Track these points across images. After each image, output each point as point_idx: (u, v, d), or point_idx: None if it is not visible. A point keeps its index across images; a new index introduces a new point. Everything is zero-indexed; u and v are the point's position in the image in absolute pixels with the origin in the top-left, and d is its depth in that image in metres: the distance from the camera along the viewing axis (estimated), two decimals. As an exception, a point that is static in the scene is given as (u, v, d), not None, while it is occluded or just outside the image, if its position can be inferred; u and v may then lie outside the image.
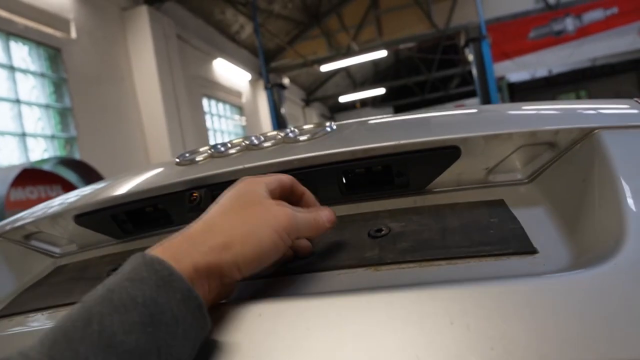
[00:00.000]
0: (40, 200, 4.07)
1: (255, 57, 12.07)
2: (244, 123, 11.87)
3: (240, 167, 0.54)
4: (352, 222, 0.51)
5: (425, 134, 0.50)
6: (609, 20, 9.86)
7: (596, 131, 0.44)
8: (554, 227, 0.42)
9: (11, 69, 5.34)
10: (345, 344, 0.31)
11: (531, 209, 0.46)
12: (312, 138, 0.56)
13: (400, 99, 18.16)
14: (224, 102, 10.99)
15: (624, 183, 0.38)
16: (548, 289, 0.31)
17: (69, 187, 4.40)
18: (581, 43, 10.06)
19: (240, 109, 11.82)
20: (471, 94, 14.79)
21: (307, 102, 16.35)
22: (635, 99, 0.52)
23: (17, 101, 5.36)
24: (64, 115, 6.02)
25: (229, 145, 0.61)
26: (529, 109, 0.56)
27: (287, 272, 0.44)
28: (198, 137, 8.90)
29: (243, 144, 0.60)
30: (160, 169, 0.65)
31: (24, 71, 5.56)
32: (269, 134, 0.61)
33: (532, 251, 0.39)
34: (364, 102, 18.80)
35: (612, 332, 0.27)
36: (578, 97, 16.89)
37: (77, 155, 5.78)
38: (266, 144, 0.58)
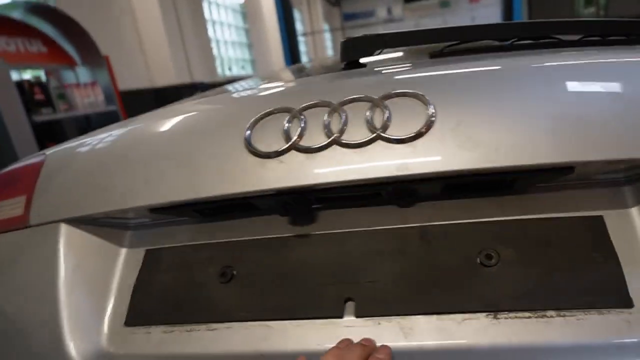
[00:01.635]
0: (19, 54, 3.74)
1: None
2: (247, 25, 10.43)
3: (338, 179, 0.51)
4: (458, 236, 0.54)
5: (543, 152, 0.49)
6: None
7: None
8: None
9: None
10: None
11: None
12: (416, 138, 0.51)
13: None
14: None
15: None
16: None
17: (49, 42, 4.02)
18: None
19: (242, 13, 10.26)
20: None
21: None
22: None
23: None
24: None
25: (307, 132, 0.55)
26: None
27: (419, 312, 0.50)
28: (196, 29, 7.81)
29: (328, 135, 0.54)
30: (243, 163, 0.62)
31: None
32: (356, 113, 0.54)
33: None
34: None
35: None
36: None
37: (52, 2, 5.12)
38: (357, 140, 0.52)
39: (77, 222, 0.63)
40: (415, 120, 0.51)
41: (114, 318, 0.61)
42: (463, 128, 0.50)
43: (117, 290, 0.63)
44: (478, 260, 0.52)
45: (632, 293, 0.46)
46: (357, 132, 0.52)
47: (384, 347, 0.49)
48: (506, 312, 0.48)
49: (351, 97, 0.55)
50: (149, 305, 0.60)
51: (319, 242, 0.58)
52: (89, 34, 3.97)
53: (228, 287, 0.58)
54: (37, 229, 0.63)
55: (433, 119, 0.50)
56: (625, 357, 0.43)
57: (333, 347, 0.48)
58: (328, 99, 0.56)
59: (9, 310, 0.60)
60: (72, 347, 0.56)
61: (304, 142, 0.54)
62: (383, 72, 0.62)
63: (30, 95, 3.40)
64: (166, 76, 6.19)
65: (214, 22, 8.98)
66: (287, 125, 0.55)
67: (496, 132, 0.48)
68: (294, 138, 0.54)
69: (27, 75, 3.84)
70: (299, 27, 13.13)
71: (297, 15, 12.84)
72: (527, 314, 0.48)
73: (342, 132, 0.53)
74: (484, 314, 0.49)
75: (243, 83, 1.10)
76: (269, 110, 0.57)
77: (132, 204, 0.58)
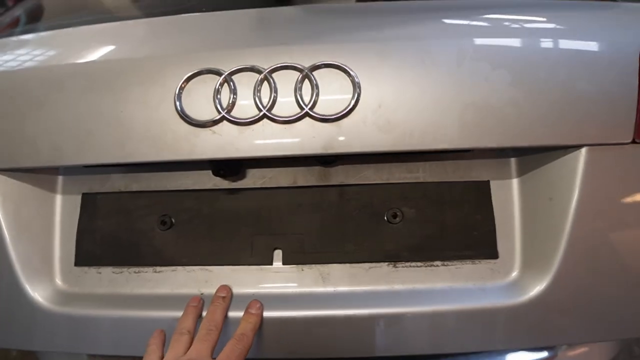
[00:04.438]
0: None
1: None
2: None
3: (269, 154, 0.55)
4: (370, 196, 0.62)
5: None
6: None
7: None
8: None
9: None
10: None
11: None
12: (341, 118, 0.55)
13: None
14: None
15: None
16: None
17: None
18: None
19: None
20: None
21: None
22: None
23: None
24: None
25: (238, 102, 0.56)
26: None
27: (335, 261, 0.61)
28: None
29: (259, 107, 0.55)
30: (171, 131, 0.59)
31: None
32: (286, 84, 0.56)
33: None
34: None
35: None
36: None
37: None
38: (286, 116, 0.55)
39: (5, 170, 0.63)
40: (342, 98, 0.55)
41: (64, 259, 0.66)
42: (383, 110, 0.54)
43: (60, 233, 0.67)
44: (385, 218, 0.61)
45: (499, 247, 0.60)
46: (286, 107, 0.55)
47: (254, 302, 0.57)
48: (403, 262, 0.60)
49: (281, 63, 0.56)
50: (96, 247, 0.65)
51: (250, 195, 0.64)
52: None
53: (169, 234, 0.64)
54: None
55: (358, 98, 0.54)
56: (488, 297, 0.57)
57: (188, 306, 0.57)
58: (258, 64, 0.56)
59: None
60: (28, 288, 0.62)
61: (235, 113, 0.56)
62: (311, 23, 0.62)
63: None
64: None
65: None
66: (218, 91, 0.56)
67: (412, 116, 0.54)
68: (225, 108, 0.55)
69: None
70: None
71: None
72: (419, 264, 0.60)
73: (272, 104, 0.55)
74: (386, 263, 0.61)
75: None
76: (197, 70, 0.57)
77: (62, 162, 0.59)
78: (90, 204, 0.67)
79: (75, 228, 0.66)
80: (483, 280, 0.59)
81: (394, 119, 0.54)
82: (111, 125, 0.58)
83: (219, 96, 0.56)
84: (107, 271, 0.65)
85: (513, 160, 0.62)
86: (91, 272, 0.65)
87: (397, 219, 0.61)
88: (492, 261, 0.60)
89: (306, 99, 0.55)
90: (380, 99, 0.54)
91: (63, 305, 0.62)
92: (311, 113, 0.54)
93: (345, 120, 0.55)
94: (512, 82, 0.54)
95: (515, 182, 0.61)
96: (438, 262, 0.60)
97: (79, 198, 0.67)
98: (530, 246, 0.59)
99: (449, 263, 0.60)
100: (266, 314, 0.57)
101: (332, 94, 0.55)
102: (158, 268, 0.64)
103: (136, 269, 0.64)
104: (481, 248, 0.60)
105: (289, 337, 0.58)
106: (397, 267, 0.60)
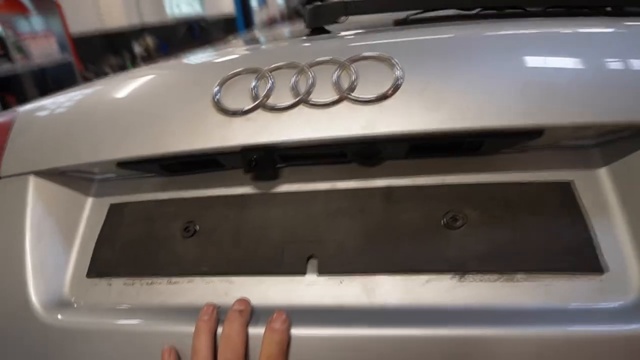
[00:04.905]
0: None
1: None
2: None
3: (304, 137, 0.49)
4: (423, 198, 0.52)
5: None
6: None
7: None
8: None
9: None
10: None
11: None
12: (382, 99, 0.49)
13: None
14: None
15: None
16: None
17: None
18: None
19: None
20: None
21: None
22: None
23: None
24: None
25: (274, 92, 0.52)
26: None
27: (382, 271, 0.49)
28: None
29: (295, 95, 0.51)
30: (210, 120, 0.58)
31: None
32: (324, 74, 0.52)
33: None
34: None
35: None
36: None
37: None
38: (324, 100, 0.50)
39: (45, 174, 0.61)
40: (382, 83, 0.49)
41: (77, 269, 0.59)
42: (431, 91, 0.47)
43: (81, 241, 0.61)
44: (443, 222, 0.50)
45: (602, 257, 0.45)
46: (324, 93, 0.50)
47: (279, 313, 0.45)
48: (473, 274, 0.47)
49: (319, 59, 0.52)
50: (111, 257, 0.58)
51: (282, 200, 0.56)
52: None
53: (190, 241, 0.56)
54: (7, 181, 0.61)
55: (400, 81, 0.48)
56: (594, 322, 0.41)
57: (200, 321, 0.47)
58: (296, 61, 0.53)
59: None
60: (33, 296, 0.55)
61: (271, 101, 0.51)
62: (350, 36, 0.60)
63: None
64: (116, 16, 5.82)
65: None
66: (254, 84, 0.53)
67: (464, 94, 0.46)
68: (262, 97, 0.51)
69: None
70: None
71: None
72: (495, 276, 0.46)
73: (309, 92, 0.50)
74: (450, 275, 0.47)
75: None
76: (237, 70, 0.55)
77: (99, 158, 0.56)
78: (115, 214, 0.62)
79: (95, 239, 0.60)
80: (588, 298, 0.43)
81: (444, 97, 0.46)
82: (148, 119, 0.55)
83: (255, 87, 0.53)
84: (118, 282, 0.56)
85: (596, 149, 0.50)
86: (101, 283, 0.57)
87: (459, 222, 0.49)
88: (597, 275, 0.44)
89: (344, 84, 0.50)
90: (427, 80, 0.47)
91: (60, 317, 0.53)
92: (349, 96, 0.49)
93: (386, 101, 0.48)
94: (589, 51, 0.45)
95: (605, 177, 0.48)
96: (521, 275, 0.46)
97: (106, 209, 0.63)
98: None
99: (536, 276, 0.45)
100: (296, 331, 0.45)
101: (373, 79, 0.49)
102: (173, 279, 0.54)
103: (149, 279, 0.55)
104: (578, 258, 0.45)
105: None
106: (464, 279, 0.46)
